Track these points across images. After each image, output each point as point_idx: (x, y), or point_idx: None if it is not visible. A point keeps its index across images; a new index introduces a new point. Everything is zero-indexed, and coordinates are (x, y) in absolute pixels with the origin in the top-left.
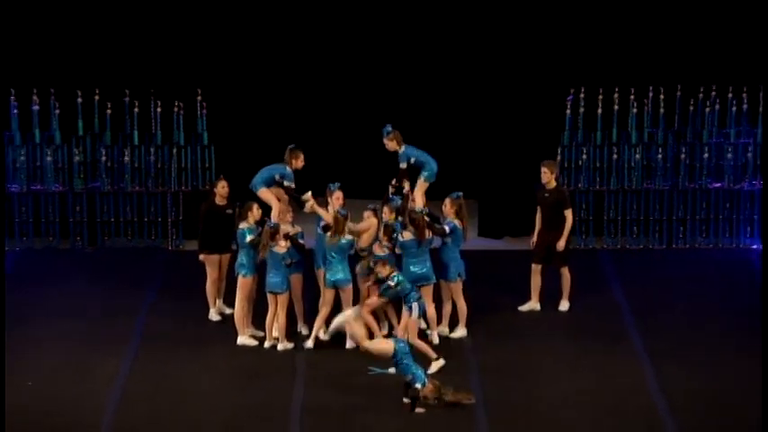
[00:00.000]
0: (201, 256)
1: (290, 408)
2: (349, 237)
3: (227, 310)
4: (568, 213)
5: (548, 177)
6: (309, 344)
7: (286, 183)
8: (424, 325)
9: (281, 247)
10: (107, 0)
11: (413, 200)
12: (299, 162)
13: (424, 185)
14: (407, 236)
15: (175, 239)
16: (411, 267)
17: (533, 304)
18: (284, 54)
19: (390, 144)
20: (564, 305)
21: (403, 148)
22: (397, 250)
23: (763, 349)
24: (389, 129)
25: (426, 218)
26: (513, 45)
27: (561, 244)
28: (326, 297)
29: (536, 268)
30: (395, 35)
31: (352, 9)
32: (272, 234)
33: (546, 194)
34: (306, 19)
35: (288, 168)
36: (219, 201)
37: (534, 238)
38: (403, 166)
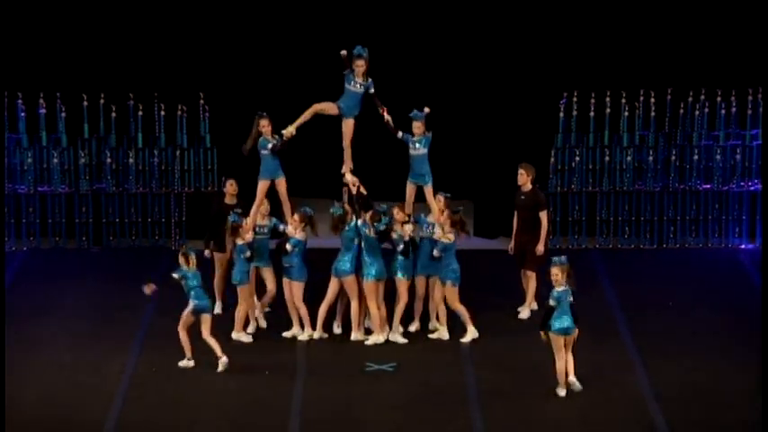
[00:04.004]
0: (207, 252)
1: (290, 402)
2: (352, 223)
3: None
4: (544, 215)
5: (524, 179)
6: (316, 335)
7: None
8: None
9: (244, 239)
10: (111, 6)
11: (415, 204)
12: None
13: (431, 190)
14: (451, 237)
15: (179, 239)
16: (452, 265)
17: (532, 306)
18: (286, 57)
19: (422, 128)
20: (525, 313)
21: (429, 134)
22: (436, 253)
23: (764, 347)
24: (424, 115)
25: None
26: (507, 49)
27: (540, 248)
28: (331, 287)
29: (524, 272)
30: (392, 38)
31: (353, 13)
32: (234, 229)
33: (522, 197)
34: (306, 22)
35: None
36: (229, 200)
37: (512, 243)
38: (423, 151)
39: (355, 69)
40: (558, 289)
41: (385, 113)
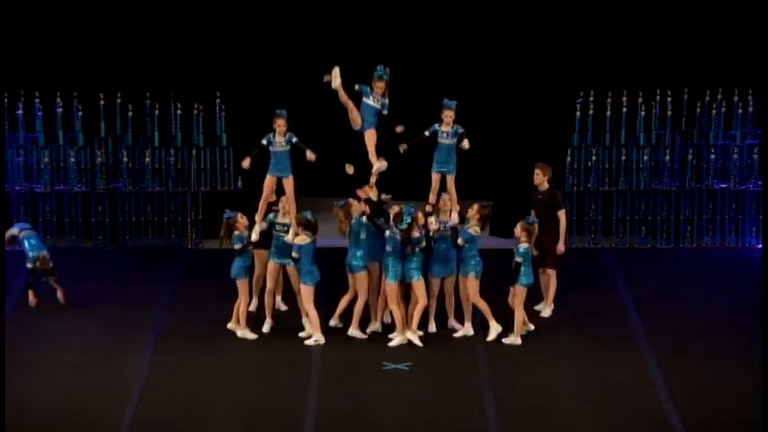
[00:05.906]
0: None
1: (304, 402)
2: (361, 219)
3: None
4: (562, 214)
5: (540, 179)
6: (332, 322)
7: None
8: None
9: (240, 231)
10: (129, 5)
11: (449, 198)
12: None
13: (453, 180)
14: (477, 230)
15: (194, 238)
16: (477, 257)
17: (549, 304)
18: (301, 56)
19: (452, 117)
20: (546, 312)
21: (460, 128)
22: (460, 241)
23: (764, 347)
24: (455, 104)
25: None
26: (524, 49)
27: (561, 247)
28: (351, 284)
29: (542, 271)
30: (406, 38)
31: (367, 12)
32: (229, 225)
33: (539, 196)
34: (322, 21)
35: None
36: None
37: None
38: (452, 141)
39: (374, 88)
40: (524, 246)
41: (398, 130)
